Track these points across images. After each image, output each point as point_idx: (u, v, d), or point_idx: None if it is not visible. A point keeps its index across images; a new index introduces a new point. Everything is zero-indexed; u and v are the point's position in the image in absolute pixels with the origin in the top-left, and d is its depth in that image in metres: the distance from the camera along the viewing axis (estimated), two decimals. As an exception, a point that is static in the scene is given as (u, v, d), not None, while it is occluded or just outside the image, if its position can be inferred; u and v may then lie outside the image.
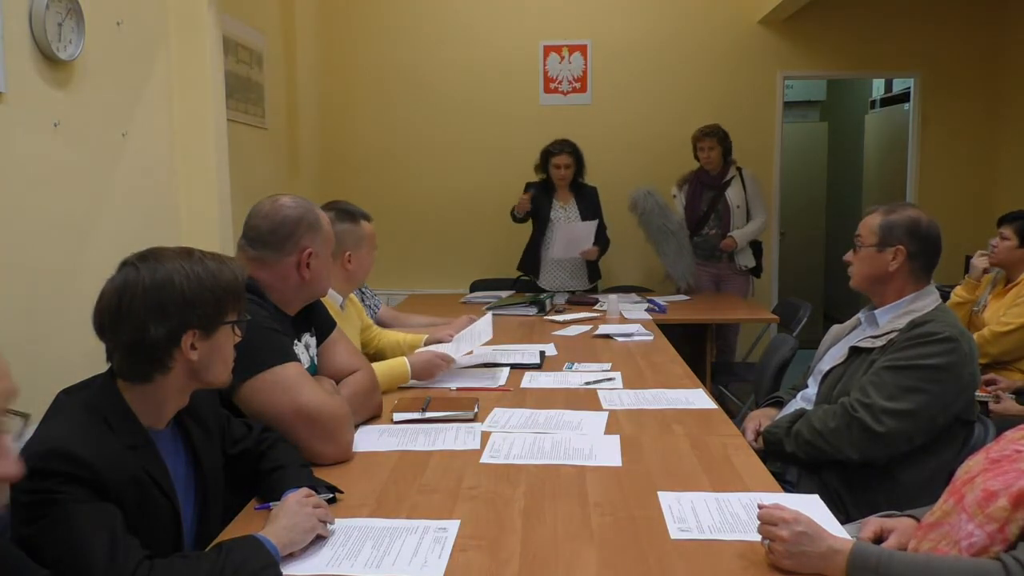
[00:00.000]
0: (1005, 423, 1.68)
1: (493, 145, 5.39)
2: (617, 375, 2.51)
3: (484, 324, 2.65)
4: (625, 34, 5.33)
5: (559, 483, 1.60)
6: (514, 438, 1.88)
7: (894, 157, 5.87)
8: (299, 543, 1.30)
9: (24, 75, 2.18)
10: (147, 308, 1.27)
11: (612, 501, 1.51)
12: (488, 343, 2.74)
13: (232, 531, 1.40)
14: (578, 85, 5.37)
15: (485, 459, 1.75)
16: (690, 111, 5.29)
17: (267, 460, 1.55)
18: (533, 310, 3.82)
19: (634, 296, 4.37)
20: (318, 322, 2.05)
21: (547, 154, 4.48)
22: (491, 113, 5.38)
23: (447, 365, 2.44)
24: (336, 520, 1.40)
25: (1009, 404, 2.76)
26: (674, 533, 1.36)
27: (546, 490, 1.57)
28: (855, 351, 2.08)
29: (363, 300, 3.01)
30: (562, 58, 5.36)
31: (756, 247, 4.74)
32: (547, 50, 5.36)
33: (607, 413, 2.08)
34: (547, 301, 3.89)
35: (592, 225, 4.36)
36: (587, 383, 2.41)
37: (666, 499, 1.50)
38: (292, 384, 1.68)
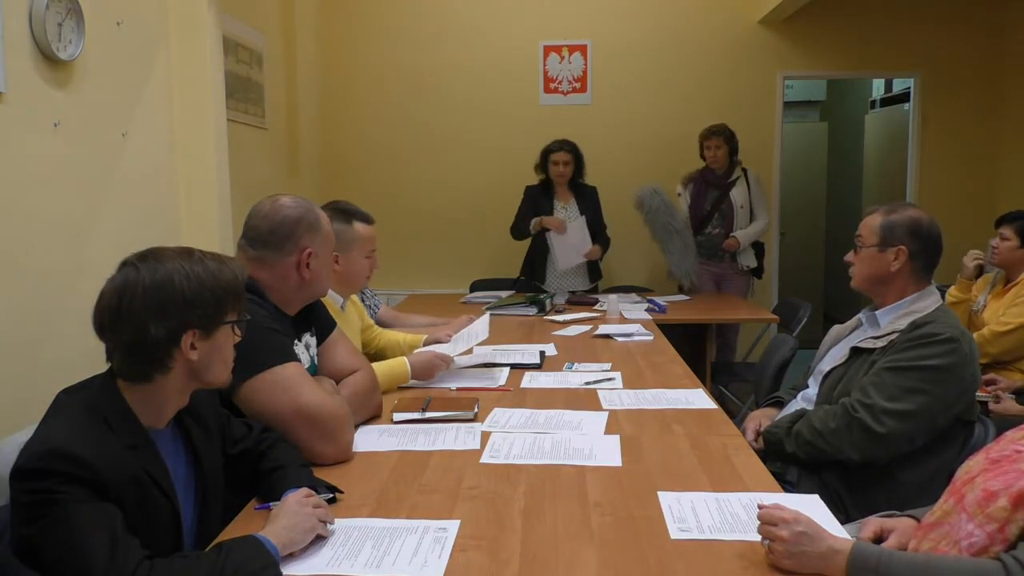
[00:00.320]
0: (1005, 423, 1.68)
1: (493, 145, 5.39)
2: (617, 375, 2.51)
3: (481, 324, 2.65)
4: (625, 34, 5.33)
5: (559, 483, 1.60)
6: (514, 438, 1.88)
7: (894, 157, 5.87)
8: (299, 543, 1.30)
9: (24, 75, 2.19)
10: (147, 308, 1.26)
11: (612, 501, 1.51)
12: (488, 343, 2.74)
13: (232, 531, 1.39)
14: (578, 85, 5.38)
15: (485, 459, 1.75)
16: (690, 111, 5.30)
17: (267, 460, 1.55)
18: (533, 310, 3.82)
19: (634, 296, 4.38)
20: (318, 322, 2.04)
21: (546, 152, 4.49)
22: (491, 113, 5.38)
23: (446, 365, 2.44)
24: (336, 520, 1.40)
25: (1009, 404, 2.76)
26: (674, 533, 1.36)
27: (546, 490, 1.57)
28: (856, 351, 2.08)
29: (363, 300, 3.01)
30: (562, 58, 5.36)
31: (758, 247, 4.74)
32: (547, 50, 5.36)
33: (607, 413, 2.08)
34: (547, 301, 3.89)
35: (581, 223, 4.37)
36: (587, 383, 2.41)
37: (666, 499, 1.50)
38: (292, 384, 1.68)
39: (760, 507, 1.29)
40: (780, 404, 2.35)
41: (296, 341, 1.90)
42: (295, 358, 1.76)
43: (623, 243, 4.73)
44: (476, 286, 4.87)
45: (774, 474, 1.69)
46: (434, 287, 5.23)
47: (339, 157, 5.42)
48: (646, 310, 3.90)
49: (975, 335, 2.91)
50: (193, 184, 3.05)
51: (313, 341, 2.02)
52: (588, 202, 4.50)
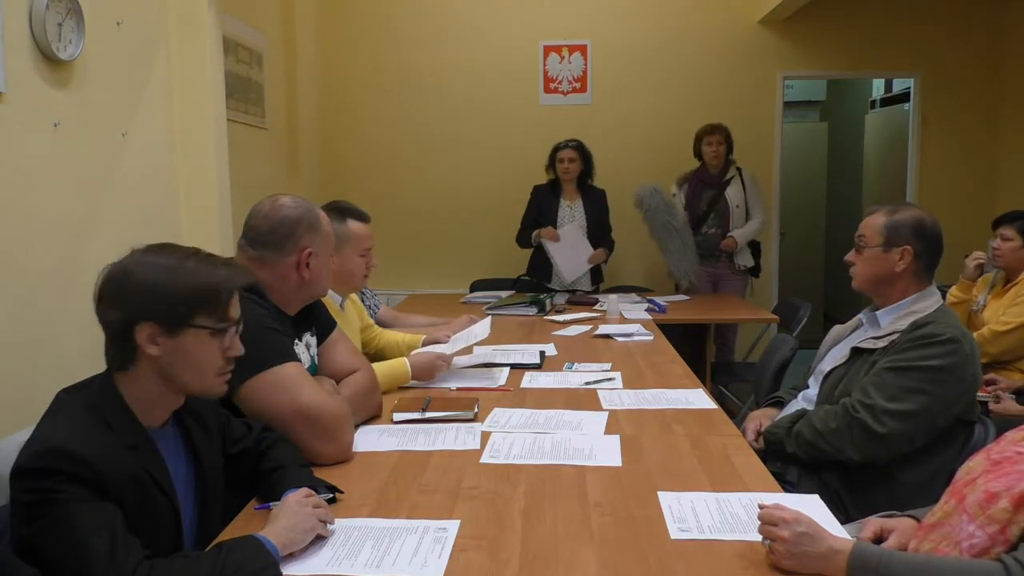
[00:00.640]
0: (1005, 423, 1.68)
1: (493, 145, 5.39)
2: (617, 375, 2.51)
3: (481, 327, 2.65)
4: (625, 34, 5.33)
5: (559, 483, 1.60)
6: (514, 438, 1.88)
7: (894, 157, 5.87)
8: (299, 543, 1.30)
9: (24, 75, 2.18)
10: (110, 291, 1.29)
11: (612, 501, 1.51)
12: (488, 343, 2.74)
13: (232, 531, 1.39)
14: (578, 85, 5.38)
15: (485, 459, 1.75)
16: (690, 111, 5.30)
17: (267, 460, 1.55)
18: (533, 310, 3.82)
19: (634, 296, 4.37)
20: (319, 322, 2.04)
21: (555, 150, 4.52)
22: (491, 113, 5.38)
23: (447, 365, 2.44)
24: (336, 520, 1.40)
25: (1009, 404, 2.76)
26: (674, 533, 1.36)
27: (546, 490, 1.57)
28: (856, 352, 2.08)
29: (363, 300, 3.01)
30: (562, 58, 5.36)
31: (754, 247, 4.74)
32: (547, 50, 5.36)
33: (607, 413, 2.08)
34: (547, 301, 3.89)
35: (572, 227, 4.39)
36: (587, 383, 2.41)
37: (666, 499, 1.50)
38: (292, 384, 1.68)
39: (761, 507, 1.29)
40: (780, 404, 2.35)
41: (296, 341, 1.90)
42: (295, 358, 1.76)
43: (623, 243, 4.73)
44: (476, 286, 4.87)
45: (774, 474, 1.69)
46: (434, 287, 5.23)
47: (339, 157, 5.42)
48: (646, 310, 3.90)
49: (975, 335, 2.91)
50: (193, 184, 3.05)
51: (313, 341, 2.02)
52: (595, 203, 4.52)
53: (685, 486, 1.58)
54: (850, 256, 2.14)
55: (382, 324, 3.01)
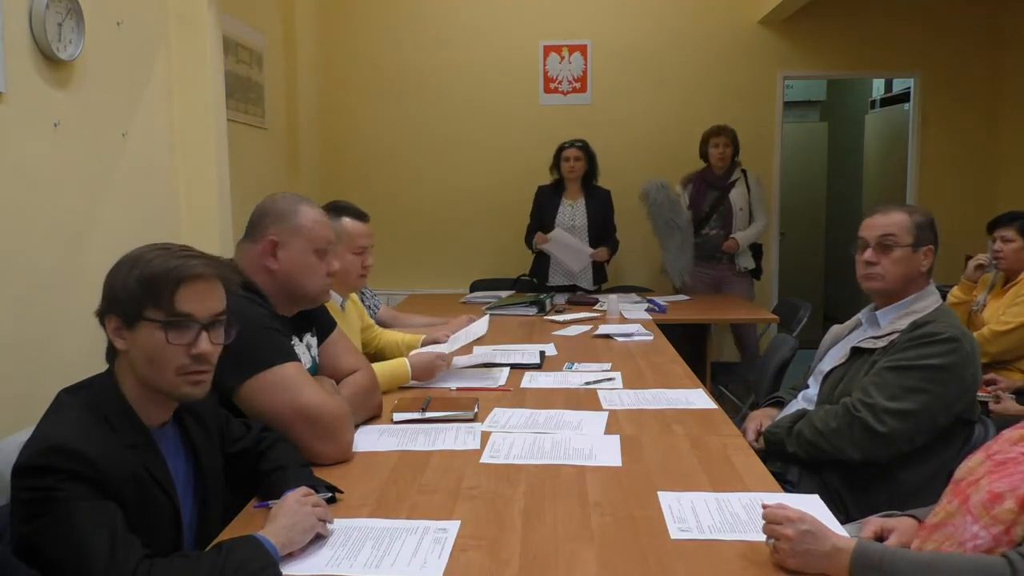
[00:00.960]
0: (1005, 423, 1.68)
1: (493, 145, 5.39)
2: (617, 375, 2.51)
3: (479, 325, 2.65)
4: (625, 34, 5.33)
5: (559, 483, 1.60)
6: (514, 438, 1.88)
7: (894, 157, 5.87)
8: (298, 543, 1.30)
9: (24, 75, 2.18)
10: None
11: (612, 501, 1.51)
12: (488, 343, 2.74)
13: (232, 531, 1.39)
14: (578, 85, 5.37)
15: (485, 459, 1.75)
16: (690, 111, 5.30)
17: (267, 460, 1.55)
18: (533, 310, 3.82)
19: (634, 296, 4.38)
20: (319, 322, 2.05)
21: (560, 149, 4.55)
22: (491, 113, 5.38)
23: (446, 365, 2.44)
24: (336, 520, 1.40)
25: (1009, 404, 2.76)
26: (674, 533, 1.36)
27: (546, 490, 1.57)
28: (856, 351, 2.08)
29: (363, 300, 3.01)
30: (562, 58, 5.36)
31: (756, 249, 4.73)
32: (547, 50, 5.36)
33: (607, 413, 2.08)
34: (547, 301, 3.90)
35: (558, 231, 4.42)
36: (587, 383, 2.41)
37: (666, 499, 1.50)
38: (292, 384, 1.68)
39: (764, 507, 1.29)
40: (780, 404, 2.35)
41: (297, 341, 1.91)
42: (295, 358, 1.76)
43: (623, 243, 4.72)
44: (476, 286, 4.87)
45: (775, 474, 1.69)
46: (434, 287, 5.23)
47: (339, 157, 5.42)
48: (646, 310, 3.90)
49: (975, 335, 2.91)
50: (193, 184, 3.05)
51: (314, 341, 2.02)
52: (599, 203, 4.54)
53: (685, 486, 1.58)
54: (871, 256, 2.05)
55: (382, 324, 3.01)
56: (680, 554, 1.29)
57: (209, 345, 1.31)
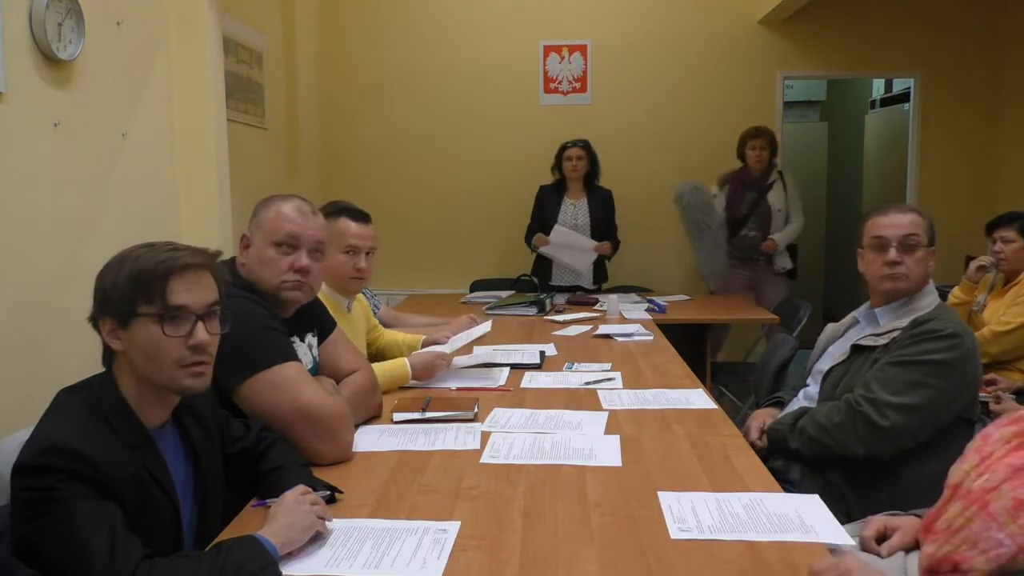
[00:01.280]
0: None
1: (493, 145, 5.39)
2: (617, 375, 2.51)
3: (480, 329, 2.65)
4: (625, 34, 5.33)
5: (559, 483, 1.60)
6: (514, 438, 1.88)
7: (894, 157, 5.87)
8: (298, 542, 1.29)
9: (24, 75, 2.18)
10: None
11: (612, 501, 1.51)
12: (488, 343, 2.74)
13: (232, 531, 1.39)
14: (578, 85, 5.37)
15: (485, 459, 1.75)
16: (690, 111, 5.30)
17: (266, 460, 1.55)
18: (533, 310, 3.82)
19: (634, 296, 4.38)
20: (320, 322, 2.04)
21: (561, 149, 4.56)
22: (491, 113, 5.38)
23: (447, 364, 2.44)
24: (336, 520, 1.40)
25: (1009, 404, 2.76)
26: (674, 533, 1.36)
27: (546, 490, 1.57)
28: (857, 349, 2.08)
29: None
30: (562, 58, 5.36)
31: (792, 250, 4.71)
32: (547, 50, 5.36)
33: (607, 413, 2.08)
34: (547, 301, 3.90)
35: (561, 228, 4.42)
36: (587, 383, 2.41)
37: (666, 499, 1.50)
38: (292, 384, 1.68)
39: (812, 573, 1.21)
40: (781, 404, 2.35)
41: (298, 341, 1.90)
42: (295, 357, 1.76)
43: (623, 243, 4.72)
44: (476, 286, 4.87)
45: (777, 472, 1.69)
46: (434, 287, 5.23)
47: (339, 157, 5.42)
48: (646, 310, 3.90)
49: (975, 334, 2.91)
50: (193, 184, 3.05)
51: (315, 341, 2.02)
52: (600, 202, 4.55)
53: (685, 486, 1.57)
54: (895, 256, 2.02)
55: (382, 324, 3.01)
56: (680, 554, 1.29)
57: (206, 335, 1.31)
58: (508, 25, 5.33)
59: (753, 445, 2.07)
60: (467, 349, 2.62)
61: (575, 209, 4.52)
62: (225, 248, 2.97)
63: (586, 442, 1.84)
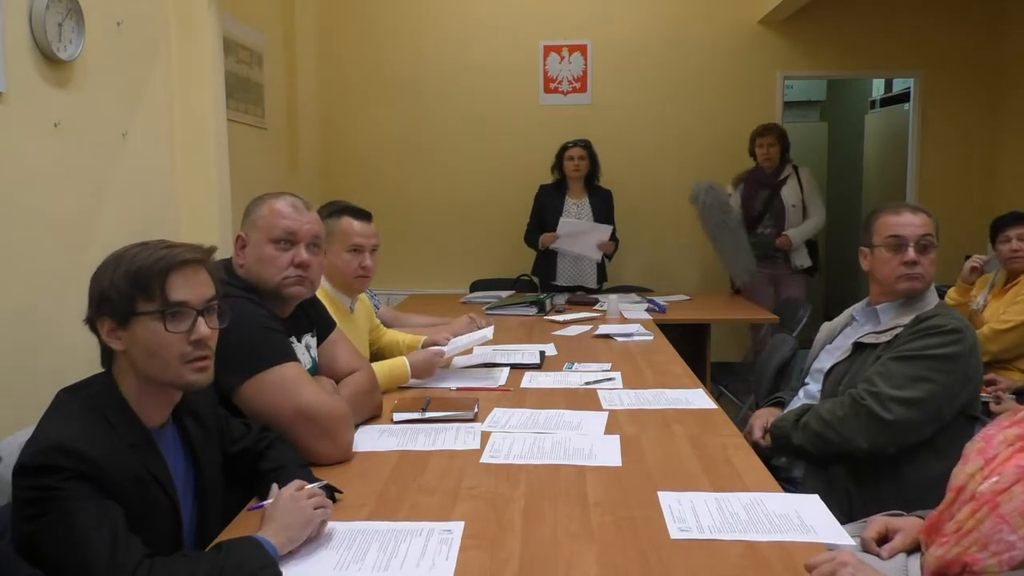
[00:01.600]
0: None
1: (493, 145, 5.39)
2: (617, 375, 2.51)
3: (484, 332, 2.65)
4: (625, 34, 5.33)
5: (559, 483, 1.60)
6: (514, 438, 1.88)
7: (894, 157, 5.87)
8: (298, 539, 1.29)
9: (24, 75, 2.18)
10: (89, 292, 1.32)
11: (612, 501, 1.51)
12: (488, 343, 2.73)
13: (232, 531, 1.39)
14: (578, 85, 5.37)
15: (485, 459, 1.75)
16: (690, 111, 5.30)
17: (266, 460, 1.55)
18: (533, 310, 3.82)
19: (634, 296, 4.38)
20: (319, 322, 2.04)
21: (562, 149, 4.57)
22: (491, 113, 5.38)
23: (444, 361, 2.43)
24: (338, 522, 1.39)
25: (1009, 404, 2.76)
26: (674, 533, 1.36)
27: (546, 490, 1.57)
28: (859, 347, 2.09)
29: (363, 300, 3.00)
30: (562, 58, 5.36)
31: (811, 246, 4.66)
32: (547, 50, 5.36)
33: (607, 413, 2.08)
34: (547, 301, 3.90)
35: (567, 220, 4.42)
36: (587, 383, 2.41)
37: (666, 499, 1.50)
38: (292, 384, 1.68)
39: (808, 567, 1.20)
40: (782, 405, 2.35)
41: (296, 341, 1.90)
42: (295, 358, 1.76)
43: (623, 243, 4.73)
44: (476, 286, 4.87)
45: (780, 470, 1.69)
46: (434, 287, 5.23)
47: (339, 157, 5.42)
48: (646, 310, 3.90)
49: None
50: (193, 184, 3.05)
51: (314, 342, 2.02)
52: (601, 202, 4.56)
53: (685, 486, 1.57)
54: (913, 255, 2.02)
55: (382, 324, 3.01)
56: (680, 554, 1.29)
57: (207, 329, 1.32)
58: (508, 25, 5.33)
59: (756, 444, 2.07)
60: (467, 349, 2.61)
61: (578, 208, 4.54)
62: (225, 248, 2.97)
63: (586, 442, 1.84)
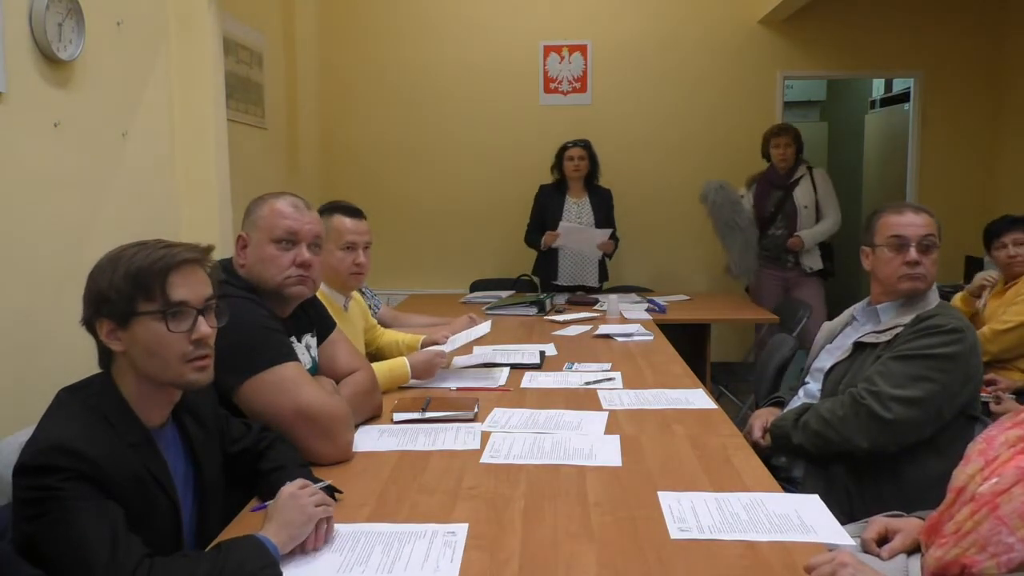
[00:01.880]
0: (1006, 424, 1.67)
1: (493, 145, 5.39)
2: (617, 375, 2.51)
3: (480, 329, 2.65)
4: (625, 34, 5.33)
5: (559, 483, 1.60)
6: (514, 438, 1.88)
7: (894, 157, 5.87)
8: (299, 537, 1.29)
9: (24, 75, 2.18)
10: (84, 293, 1.33)
11: (612, 501, 1.51)
12: (488, 343, 2.73)
13: (232, 531, 1.39)
14: (578, 85, 5.37)
15: (485, 459, 1.75)
16: (690, 111, 5.30)
17: (266, 460, 1.55)
18: (533, 310, 3.82)
19: (634, 296, 4.38)
20: (319, 322, 2.04)
21: (562, 149, 4.57)
22: (491, 113, 5.38)
23: (445, 362, 2.43)
24: (340, 523, 1.39)
25: (1009, 404, 2.76)
26: (674, 533, 1.36)
27: (546, 490, 1.57)
28: (859, 346, 2.09)
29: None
30: (562, 58, 5.36)
31: (825, 249, 4.57)
32: (547, 50, 5.36)
33: (607, 413, 2.08)
34: (547, 301, 3.90)
35: (569, 225, 4.43)
36: (587, 383, 2.41)
37: (666, 499, 1.50)
38: (292, 384, 1.68)
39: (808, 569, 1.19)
40: (781, 405, 2.35)
41: (296, 341, 1.90)
42: (295, 358, 1.76)
43: (623, 242, 4.73)
44: (476, 286, 4.87)
45: (780, 469, 1.69)
46: (434, 287, 5.23)
47: (339, 157, 5.42)
48: (646, 310, 3.90)
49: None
50: (193, 184, 3.04)
51: (314, 342, 2.02)
52: (601, 202, 4.56)
53: (685, 486, 1.58)
54: (916, 256, 2.02)
55: (382, 324, 3.01)
56: (680, 554, 1.29)
57: (207, 328, 1.33)
58: (508, 25, 5.33)
59: (756, 444, 2.07)
60: (467, 349, 2.62)
61: (578, 208, 4.54)
62: (226, 248, 2.97)
63: (586, 442, 1.84)
